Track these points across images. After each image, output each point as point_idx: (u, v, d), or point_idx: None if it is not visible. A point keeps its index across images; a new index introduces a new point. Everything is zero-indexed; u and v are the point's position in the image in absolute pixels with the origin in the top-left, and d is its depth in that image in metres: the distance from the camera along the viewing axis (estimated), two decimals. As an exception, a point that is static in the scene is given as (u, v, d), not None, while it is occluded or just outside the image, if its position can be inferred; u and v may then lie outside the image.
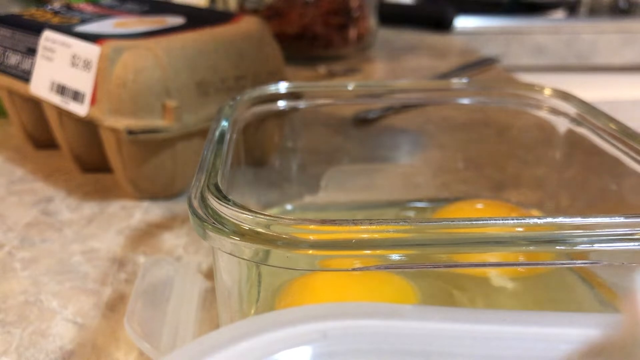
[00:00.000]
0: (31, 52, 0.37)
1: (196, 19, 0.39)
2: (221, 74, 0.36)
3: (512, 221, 0.18)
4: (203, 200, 0.19)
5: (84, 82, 0.34)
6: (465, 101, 0.33)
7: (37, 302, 0.27)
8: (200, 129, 0.35)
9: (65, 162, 0.41)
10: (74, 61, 0.34)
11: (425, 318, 0.16)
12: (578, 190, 0.31)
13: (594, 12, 1.17)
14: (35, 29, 0.37)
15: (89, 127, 0.35)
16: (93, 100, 0.33)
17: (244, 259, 0.18)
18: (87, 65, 0.34)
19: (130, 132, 0.33)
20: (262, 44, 0.38)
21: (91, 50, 0.33)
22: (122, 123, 0.33)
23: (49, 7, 0.44)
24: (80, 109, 0.34)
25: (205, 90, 0.35)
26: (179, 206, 0.36)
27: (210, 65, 0.35)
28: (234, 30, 0.37)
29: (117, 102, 0.33)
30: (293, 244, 0.17)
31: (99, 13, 0.41)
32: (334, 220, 0.17)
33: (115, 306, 0.27)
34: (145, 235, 0.33)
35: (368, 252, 0.17)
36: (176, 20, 0.39)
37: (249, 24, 0.38)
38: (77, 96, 0.34)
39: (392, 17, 0.90)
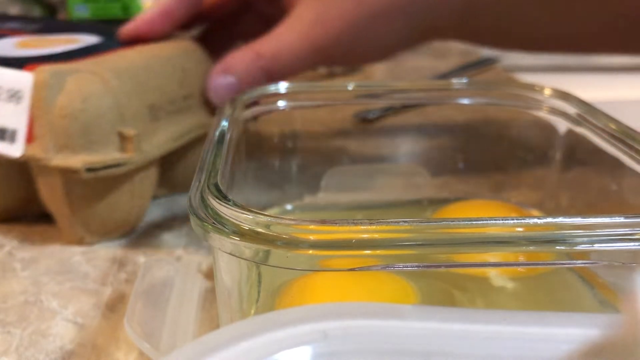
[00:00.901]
0: None
1: (112, 35, 0.35)
2: (170, 95, 0.32)
3: (512, 221, 0.18)
4: (203, 200, 0.19)
5: (12, 116, 0.28)
6: (465, 101, 0.33)
7: (37, 302, 0.27)
8: (157, 157, 0.31)
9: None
10: None
11: (425, 318, 0.16)
12: (578, 190, 0.31)
13: (594, 12, 1.17)
14: None
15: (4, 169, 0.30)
16: (30, 138, 0.28)
17: (244, 259, 0.18)
18: (14, 96, 0.28)
19: (89, 170, 0.28)
20: (201, 58, 0.35)
21: (20, 78, 0.28)
22: (76, 160, 0.28)
23: None
24: (12, 149, 0.28)
25: (156, 114, 0.31)
26: (179, 206, 0.36)
27: (159, 86, 0.32)
28: (172, 46, 0.34)
29: (64, 136, 0.28)
30: (293, 244, 0.17)
31: None
32: (334, 220, 0.17)
33: (115, 306, 0.27)
34: (145, 235, 0.33)
35: (368, 252, 0.17)
36: (90, 38, 0.34)
37: (181, 39, 0.36)
38: (4, 134, 0.29)
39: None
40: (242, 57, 0.33)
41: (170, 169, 0.34)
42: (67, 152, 0.28)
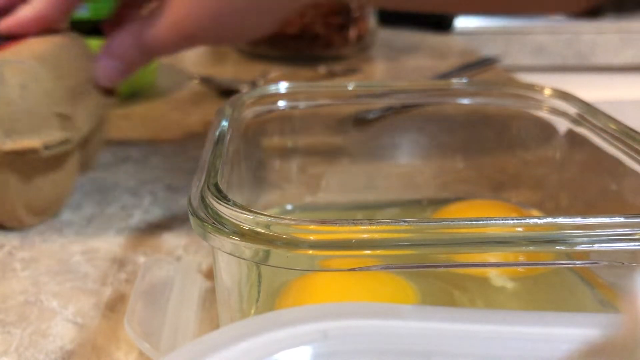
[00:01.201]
0: None
1: None
2: (76, 79, 0.34)
3: (512, 221, 0.18)
4: (203, 200, 0.19)
5: None
6: (465, 101, 0.33)
7: (37, 302, 0.27)
8: (86, 134, 0.34)
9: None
10: None
11: (425, 318, 0.16)
12: (578, 190, 0.31)
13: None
14: None
15: None
16: None
17: (244, 259, 0.18)
18: None
19: (47, 148, 0.31)
20: (85, 46, 0.37)
21: None
22: (30, 142, 0.30)
23: None
24: None
25: (74, 96, 0.34)
26: (179, 206, 0.36)
27: (69, 72, 0.34)
28: (64, 37, 0.36)
29: (10, 122, 0.30)
30: (293, 244, 0.17)
31: None
32: (334, 221, 0.17)
33: (115, 306, 0.27)
34: (145, 235, 0.33)
35: (368, 252, 0.17)
36: None
37: (61, 33, 0.37)
38: None
39: (392, 17, 0.90)
40: (123, 42, 0.37)
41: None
42: (16, 136, 0.30)
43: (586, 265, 0.24)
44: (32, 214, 0.33)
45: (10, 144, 0.30)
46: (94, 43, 0.47)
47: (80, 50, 0.36)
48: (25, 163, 0.31)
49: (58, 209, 0.35)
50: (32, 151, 0.30)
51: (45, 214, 0.34)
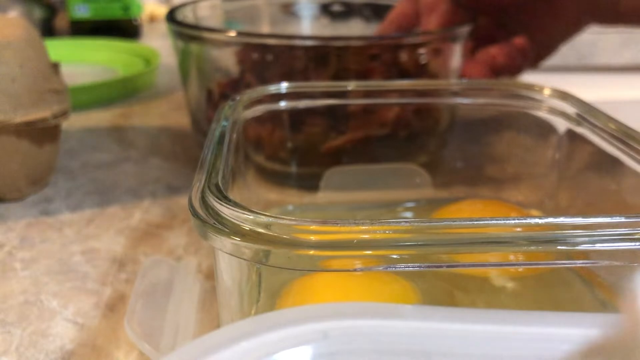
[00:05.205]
0: None
1: None
2: (48, 57, 0.37)
3: (512, 221, 0.18)
4: (203, 200, 0.19)
5: None
6: (465, 101, 0.33)
7: (37, 302, 0.27)
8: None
9: (65, 161, 0.41)
10: None
11: (426, 318, 0.16)
12: (578, 190, 0.31)
13: (594, 12, 1.17)
14: None
15: None
16: None
17: (244, 259, 0.18)
18: None
19: (54, 117, 0.34)
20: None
21: None
22: (37, 114, 0.33)
23: None
24: None
25: (55, 72, 0.36)
26: (179, 206, 0.36)
27: (45, 50, 0.36)
28: (14, 19, 0.37)
29: (16, 97, 0.33)
30: (294, 244, 0.17)
31: None
32: (335, 221, 0.17)
33: (115, 306, 0.27)
34: (145, 235, 0.33)
35: (369, 252, 0.17)
36: None
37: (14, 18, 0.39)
38: None
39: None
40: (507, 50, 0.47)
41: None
42: (22, 110, 0.33)
43: (586, 265, 0.24)
44: (30, 183, 0.36)
45: (21, 117, 0.33)
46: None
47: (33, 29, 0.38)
48: (30, 135, 0.34)
49: (49, 179, 0.38)
50: (42, 120, 0.33)
51: (39, 183, 0.37)
